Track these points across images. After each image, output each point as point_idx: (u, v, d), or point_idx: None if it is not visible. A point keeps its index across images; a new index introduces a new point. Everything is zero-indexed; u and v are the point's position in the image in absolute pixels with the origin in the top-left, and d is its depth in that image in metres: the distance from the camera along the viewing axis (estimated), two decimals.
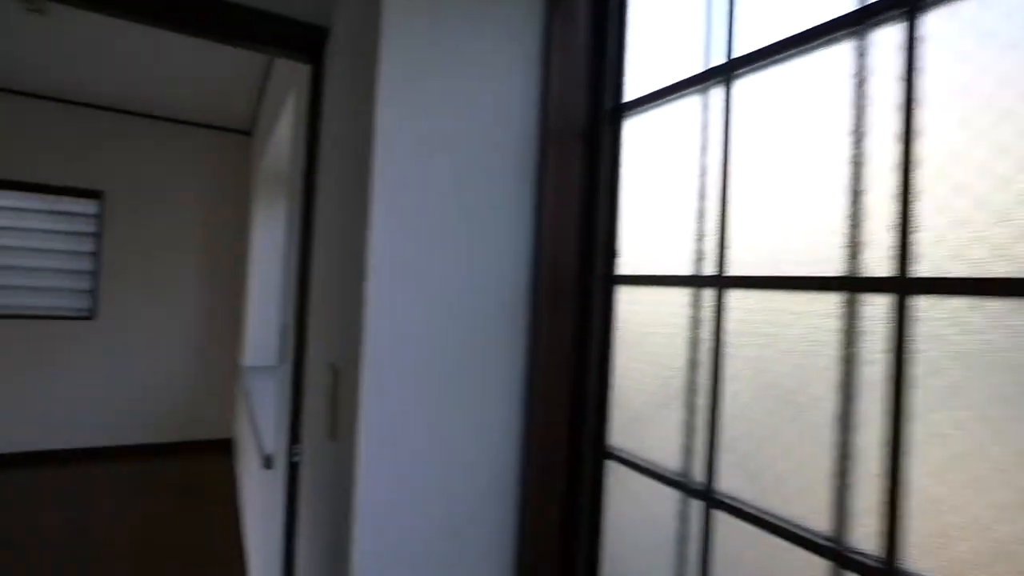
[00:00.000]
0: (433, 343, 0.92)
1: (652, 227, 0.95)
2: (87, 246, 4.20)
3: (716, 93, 0.83)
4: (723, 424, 0.77)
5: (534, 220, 1.01)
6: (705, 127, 0.85)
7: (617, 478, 0.97)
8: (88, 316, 4.18)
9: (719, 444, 0.78)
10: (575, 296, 1.02)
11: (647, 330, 0.93)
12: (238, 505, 3.50)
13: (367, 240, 0.87)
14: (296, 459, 1.40)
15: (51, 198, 4.08)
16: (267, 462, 1.96)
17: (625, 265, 0.99)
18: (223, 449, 4.53)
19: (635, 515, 0.93)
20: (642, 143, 0.98)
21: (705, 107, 0.85)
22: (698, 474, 0.81)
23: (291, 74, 2.30)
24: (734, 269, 0.78)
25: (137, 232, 4.29)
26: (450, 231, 0.93)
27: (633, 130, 0.99)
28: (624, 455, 0.96)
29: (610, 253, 1.00)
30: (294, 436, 1.41)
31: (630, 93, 1.00)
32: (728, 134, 0.79)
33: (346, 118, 1.10)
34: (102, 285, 4.20)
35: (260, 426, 2.28)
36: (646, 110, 0.97)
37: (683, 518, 0.84)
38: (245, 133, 4.62)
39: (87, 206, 4.18)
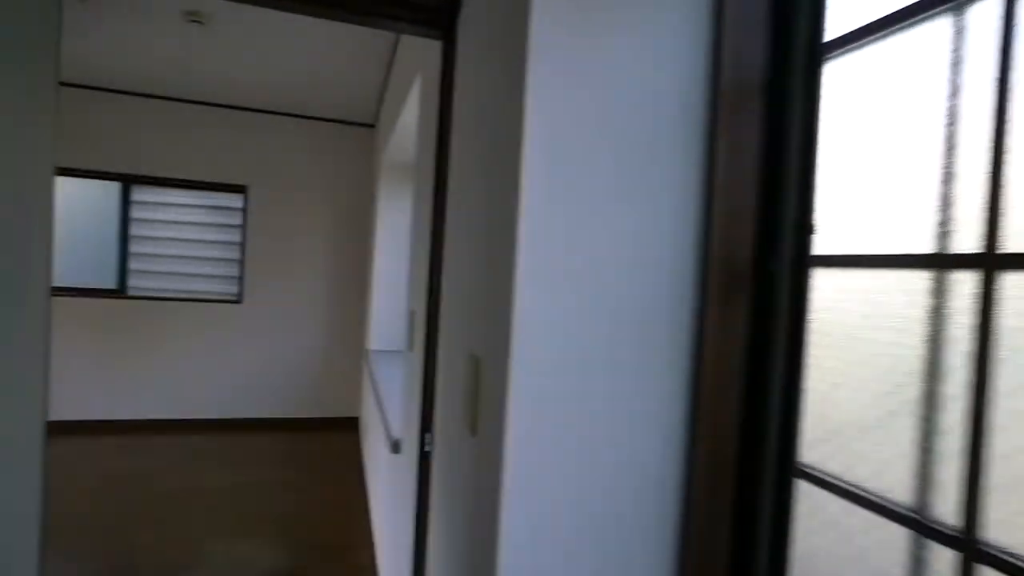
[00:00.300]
0: (586, 336, 0.80)
1: (866, 195, 0.75)
2: (236, 236, 4.63)
3: (980, 9, 0.62)
4: (993, 454, 0.58)
5: (702, 195, 0.85)
6: (958, 58, 0.64)
7: (812, 503, 0.80)
8: (236, 300, 4.62)
9: (986, 479, 0.58)
10: (752, 282, 0.85)
11: (860, 324, 0.74)
12: (364, 480, 3.68)
13: (516, 225, 0.77)
14: (428, 448, 1.37)
15: (205, 193, 4.54)
16: (395, 447, 1.98)
17: (823, 243, 0.80)
18: (350, 427, 4.82)
19: (838, 550, 0.76)
20: (850, 91, 0.78)
21: (959, 32, 0.64)
22: (947, 514, 0.62)
23: (413, 63, 2.29)
24: (1010, 244, 0.58)
25: (275, 223, 4.65)
26: (607, 214, 0.81)
27: (837, 75, 0.80)
28: (822, 476, 0.78)
29: (803, 229, 0.82)
30: (425, 424, 1.37)
31: (832, 30, 0.80)
32: (1008, 61, 0.59)
33: (484, 93, 1.01)
34: (247, 272, 4.61)
35: (387, 410, 2.33)
36: (859, 47, 0.77)
37: (920, 564, 0.66)
38: (368, 126, 4.82)
39: (234, 200, 4.60)
